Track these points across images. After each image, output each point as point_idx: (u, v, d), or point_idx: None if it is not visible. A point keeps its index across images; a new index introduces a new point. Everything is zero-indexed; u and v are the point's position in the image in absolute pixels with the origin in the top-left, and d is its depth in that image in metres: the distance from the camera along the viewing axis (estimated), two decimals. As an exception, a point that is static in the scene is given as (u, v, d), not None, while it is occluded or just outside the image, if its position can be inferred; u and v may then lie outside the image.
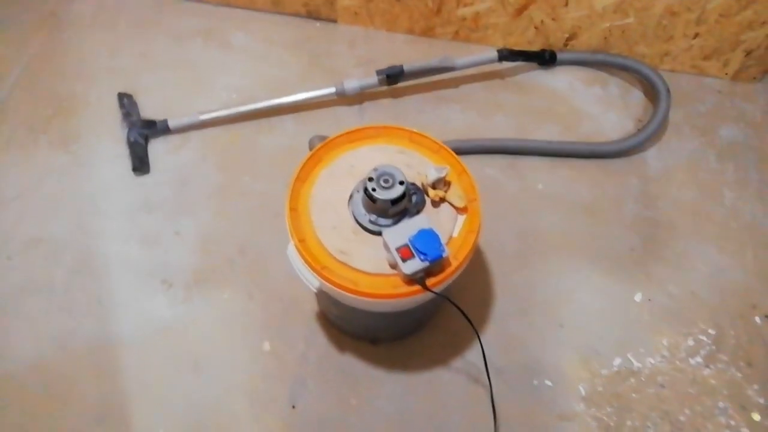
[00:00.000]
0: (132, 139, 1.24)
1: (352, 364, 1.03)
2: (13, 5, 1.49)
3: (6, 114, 1.31)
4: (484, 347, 0.88)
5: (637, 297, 1.09)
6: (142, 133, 1.25)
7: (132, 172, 1.23)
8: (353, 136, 0.91)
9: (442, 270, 0.78)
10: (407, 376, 1.02)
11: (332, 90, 1.28)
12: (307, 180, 0.87)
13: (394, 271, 0.78)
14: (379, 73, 1.27)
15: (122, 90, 1.34)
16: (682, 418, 0.97)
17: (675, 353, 1.03)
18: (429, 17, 1.38)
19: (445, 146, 0.89)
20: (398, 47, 1.44)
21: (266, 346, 1.04)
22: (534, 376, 1.01)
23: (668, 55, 1.35)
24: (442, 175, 0.82)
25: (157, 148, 1.27)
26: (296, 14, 1.47)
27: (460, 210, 0.83)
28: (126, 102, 1.30)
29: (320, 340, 1.05)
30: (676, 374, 1.01)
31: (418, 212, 0.82)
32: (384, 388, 1.01)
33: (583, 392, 0.99)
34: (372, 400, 1.00)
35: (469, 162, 0.87)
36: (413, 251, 0.75)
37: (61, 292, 1.09)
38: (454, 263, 0.79)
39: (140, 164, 1.23)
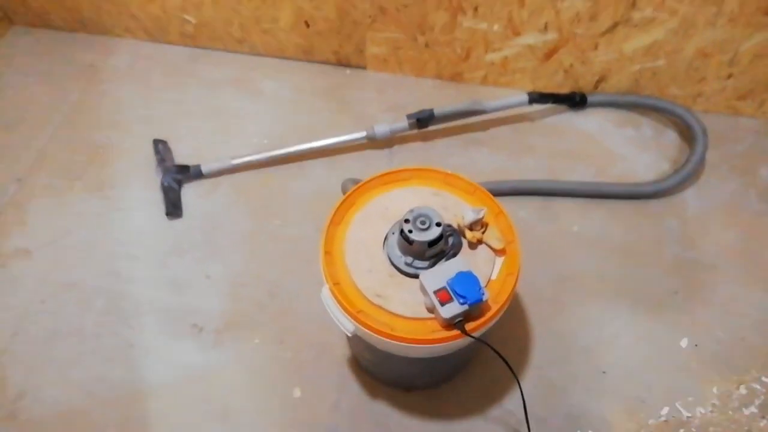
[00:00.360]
0: (166, 184, 1.26)
1: (385, 412, 0.99)
2: (54, 57, 1.55)
3: (44, 161, 1.34)
4: (524, 395, 0.84)
5: (683, 342, 1.05)
6: (176, 178, 1.27)
7: (165, 217, 1.24)
8: (386, 179, 0.90)
9: (481, 314, 0.75)
10: (443, 425, 0.98)
11: (363, 134, 1.29)
12: (341, 223, 0.86)
13: (432, 316, 0.76)
14: (409, 117, 1.28)
15: (156, 137, 1.37)
16: (740, 474, 0.91)
17: (727, 402, 0.98)
18: (457, 63, 1.39)
19: (480, 187, 0.88)
20: (427, 92, 1.45)
21: (297, 392, 1.02)
22: (577, 426, 0.96)
23: (701, 96, 1.33)
24: (480, 216, 0.80)
25: (189, 193, 1.28)
26: (326, 62, 1.50)
27: (498, 252, 0.81)
28: (161, 148, 1.33)
29: (352, 386, 1.02)
30: (729, 425, 0.95)
31: (455, 254, 0.80)
32: (419, 439, 0.97)
33: (630, 445, 0.94)
34: (406, 451, 0.96)
35: (502, 204, 0.85)
36: (452, 294, 0.73)
37: (92, 336, 1.09)
38: (494, 307, 0.76)
39: (173, 209, 1.24)
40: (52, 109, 1.44)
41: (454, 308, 0.72)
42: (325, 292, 0.80)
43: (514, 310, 1.09)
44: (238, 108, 1.44)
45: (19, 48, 1.57)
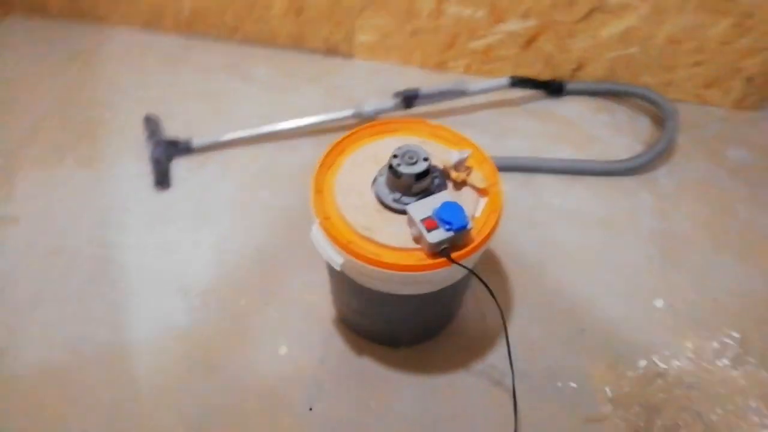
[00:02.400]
0: (155, 156, 1.28)
1: (370, 367, 1.01)
2: (51, 43, 1.58)
3: (37, 135, 1.36)
4: (508, 337, 0.87)
5: (659, 303, 1.08)
6: (166, 152, 1.29)
7: (154, 188, 1.25)
8: (376, 129, 0.94)
9: (466, 244, 0.78)
10: (427, 379, 0.99)
11: (350, 112, 1.33)
12: (332, 166, 0.89)
13: (419, 246, 0.79)
14: (396, 95, 1.33)
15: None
16: (714, 417, 0.93)
17: (701, 355, 1.01)
18: (442, 51, 1.46)
19: (466, 138, 0.92)
20: (413, 80, 1.49)
21: (283, 350, 1.03)
22: (558, 378, 0.98)
23: (671, 85, 1.41)
24: (464, 156, 0.84)
25: (179, 167, 1.31)
26: (315, 51, 1.56)
27: (481, 191, 0.85)
28: (151, 123, 1.35)
29: (338, 344, 1.03)
30: (704, 375, 0.98)
31: (440, 193, 0.83)
32: (404, 392, 0.98)
33: (609, 394, 0.96)
34: (392, 403, 0.97)
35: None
36: (438, 222, 0.76)
37: (77, 299, 1.09)
38: (478, 238, 0.79)
39: (162, 179, 1.26)
40: (46, 89, 1.47)
41: (440, 234, 0.75)
42: (315, 229, 0.83)
43: (497, 273, 1.12)
44: (230, 91, 1.48)
45: (16, 34, 1.61)
